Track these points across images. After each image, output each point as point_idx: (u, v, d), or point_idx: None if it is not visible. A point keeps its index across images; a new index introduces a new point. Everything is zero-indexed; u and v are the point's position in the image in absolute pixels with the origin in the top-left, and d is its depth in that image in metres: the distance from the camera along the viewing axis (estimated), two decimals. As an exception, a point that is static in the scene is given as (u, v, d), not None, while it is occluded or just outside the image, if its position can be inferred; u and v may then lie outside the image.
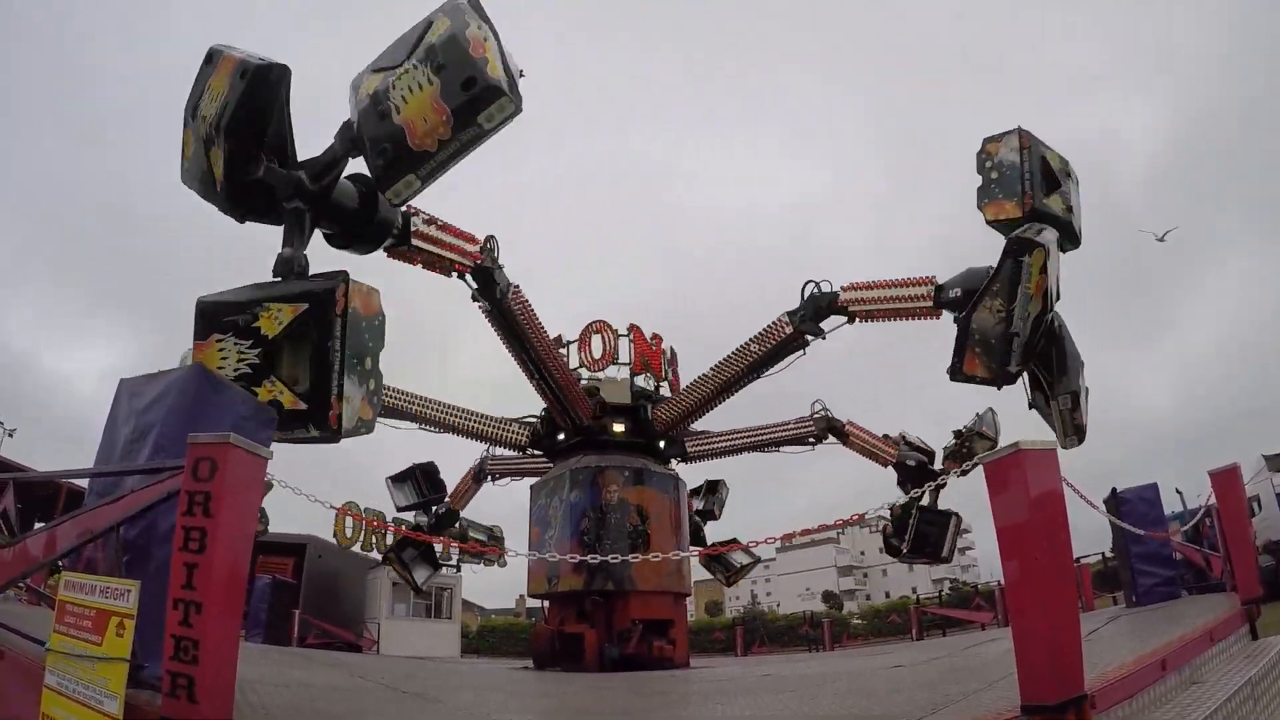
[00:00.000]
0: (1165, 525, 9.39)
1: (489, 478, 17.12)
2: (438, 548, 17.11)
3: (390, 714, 5.19)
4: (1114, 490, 9.28)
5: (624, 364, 15.50)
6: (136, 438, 5.02)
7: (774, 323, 11.81)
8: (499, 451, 16.45)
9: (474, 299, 10.74)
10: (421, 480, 16.09)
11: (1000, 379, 7.89)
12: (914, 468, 13.77)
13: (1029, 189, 7.92)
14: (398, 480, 16.11)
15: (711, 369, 13.23)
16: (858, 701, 5.13)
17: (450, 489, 16.87)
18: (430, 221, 8.95)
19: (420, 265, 9.12)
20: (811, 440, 15.10)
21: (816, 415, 14.92)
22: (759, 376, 12.76)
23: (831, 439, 14.92)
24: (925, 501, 13.18)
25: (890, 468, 14.25)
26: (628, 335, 15.65)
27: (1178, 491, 11.42)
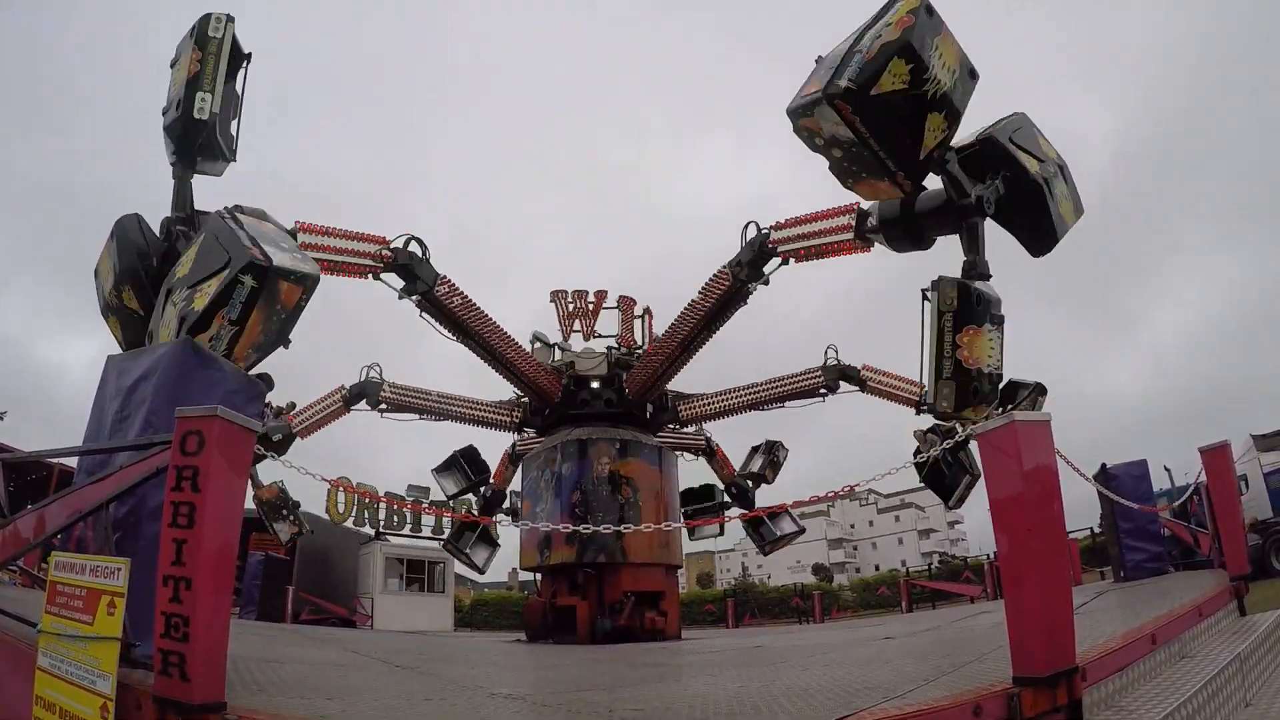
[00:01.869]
0: (1154, 502, 9.45)
1: (379, 407, 15.83)
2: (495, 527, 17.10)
3: (385, 688, 5.20)
4: (1103, 466, 9.31)
5: (607, 336, 15.73)
6: (125, 415, 5.01)
7: (715, 274, 11.29)
8: (510, 434, 16.43)
9: (400, 297, 10.89)
10: (465, 465, 16.05)
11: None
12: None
13: (896, 166, 6.48)
14: (443, 470, 16.08)
15: (665, 331, 13.12)
16: (849, 673, 5.15)
17: (302, 408, 16.46)
18: (324, 232, 9.48)
19: (328, 273, 9.41)
20: (824, 390, 14.05)
21: (829, 363, 13.91)
22: (715, 330, 12.35)
23: (846, 387, 13.89)
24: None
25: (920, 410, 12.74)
26: (616, 306, 15.72)
27: (1166, 469, 11.50)
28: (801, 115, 6.26)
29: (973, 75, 6.45)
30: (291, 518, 13.42)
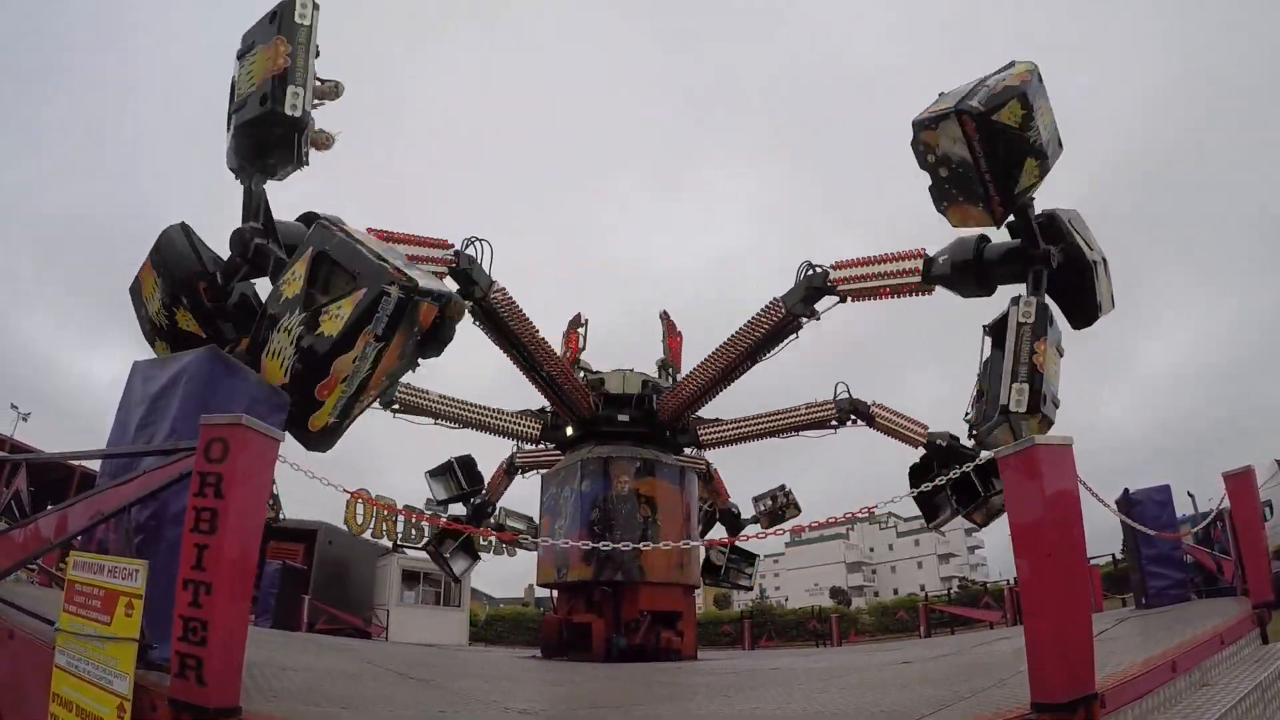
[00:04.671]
0: (1177, 527, 9.32)
1: (519, 471, 17.03)
2: (479, 538, 17.38)
3: (398, 699, 5.21)
4: (1126, 491, 9.21)
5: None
6: (149, 420, 5.05)
7: (766, 306, 11.53)
8: (528, 445, 16.46)
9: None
10: (460, 473, 16.15)
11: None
12: (944, 448, 13.06)
13: (994, 191, 6.88)
14: (436, 474, 16.23)
15: (708, 357, 13.14)
16: (866, 696, 5.12)
17: (485, 483, 17.02)
18: (391, 239, 9.23)
19: None
20: (834, 423, 14.54)
21: (840, 398, 14.39)
22: (757, 362, 12.61)
23: (856, 421, 14.31)
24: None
25: (920, 448, 13.52)
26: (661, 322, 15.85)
27: (1189, 495, 11.35)
28: (924, 128, 6.86)
29: (1060, 145, 7.17)
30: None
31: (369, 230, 8.51)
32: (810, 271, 10.74)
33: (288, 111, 5.93)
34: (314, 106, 6.33)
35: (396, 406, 14.06)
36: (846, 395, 14.15)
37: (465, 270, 10.54)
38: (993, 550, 76.98)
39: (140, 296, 6.54)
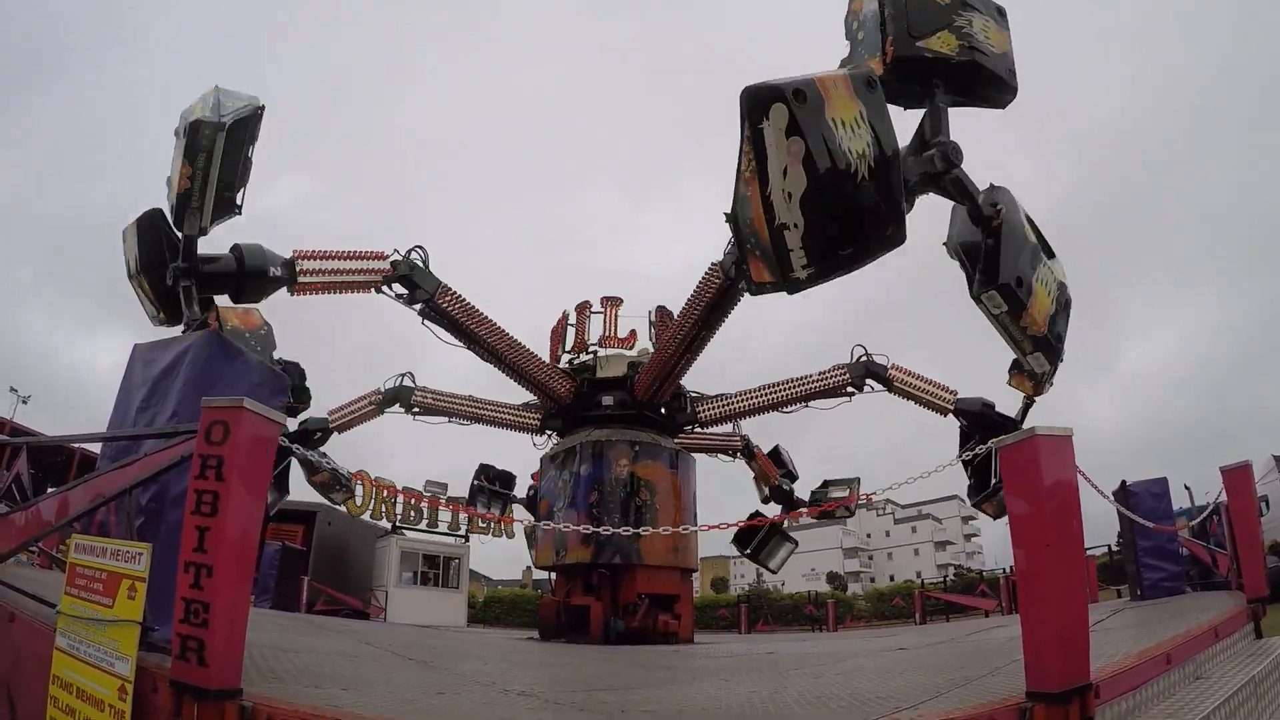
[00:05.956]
0: (1173, 520, 9.34)
1: (412, 410, 14.93)
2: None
3: (397, 680, 5.23)
4: (1123, 483, 9.22)
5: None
6: (150, 403, 5.05)
7: (833, 369, 13.59)
8: (429, 384, 15.20)
9: (406, 305, 11.34)
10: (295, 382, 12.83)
11: (789, 285, 5.36)
12: (977, 414, 12.46)
13: (889, 33, 5.66)
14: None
15: (766, 387, 14.35)
16: (862, 682, 5.13)
17: (339, 406, 14.85)
18: (319, 256, 9.75)
19: (332, 292, 10.08)
20: (850, 390, 13.87)
21: (858, 359, 13.75)
22: (803, 407, 14.15)
23: (872, 386, 13.75)
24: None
25: (951, 415, 12.95)
26: (649, 317, 15.68)
27: (1186, 488, 11.37)
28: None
29: (967, 50, 6.33)
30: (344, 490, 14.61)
31: (295, 252, 9.52)
32: (867, 358, 13.31)
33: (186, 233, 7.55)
34: None
35: (417, 410, 14.60)
36: (864, 356, 13.51)
37: (406, 275, 10.93)
38: (989, 539, 77.28)
39: (126, 243, 8.10)
